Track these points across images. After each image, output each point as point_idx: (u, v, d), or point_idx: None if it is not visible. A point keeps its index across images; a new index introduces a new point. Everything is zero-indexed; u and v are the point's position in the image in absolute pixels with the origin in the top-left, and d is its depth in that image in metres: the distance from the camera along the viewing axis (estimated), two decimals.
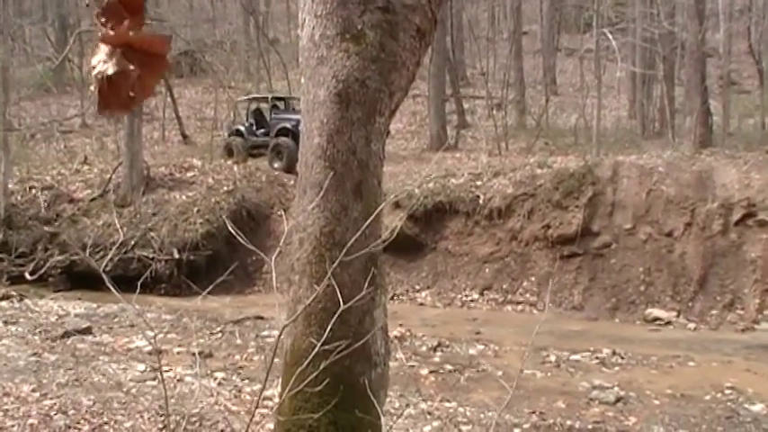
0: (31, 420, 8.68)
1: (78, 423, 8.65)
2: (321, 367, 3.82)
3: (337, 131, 4.26)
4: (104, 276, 3.78)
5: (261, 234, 18.67)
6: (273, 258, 4.08)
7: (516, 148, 26.26)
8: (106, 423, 8.66)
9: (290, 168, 21.99)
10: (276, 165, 22.95)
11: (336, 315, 3.86)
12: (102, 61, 2.18)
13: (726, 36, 27.79)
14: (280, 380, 4.34)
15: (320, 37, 4.37)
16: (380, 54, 4.34)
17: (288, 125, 23.20)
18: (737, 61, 34.39)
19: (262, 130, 25.12)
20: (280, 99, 26.65)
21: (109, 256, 15.17)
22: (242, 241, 4.35)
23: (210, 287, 4.62)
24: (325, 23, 4.35)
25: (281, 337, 4.02)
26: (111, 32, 2.18)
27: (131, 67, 2.18)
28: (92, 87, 2.25)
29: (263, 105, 26.23)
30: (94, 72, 2.20)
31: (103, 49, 2.21)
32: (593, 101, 28.54)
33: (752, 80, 33.82)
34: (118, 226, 18.59)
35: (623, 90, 32.73)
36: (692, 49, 22.42)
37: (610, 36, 22.82)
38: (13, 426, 8.48)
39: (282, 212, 20.02)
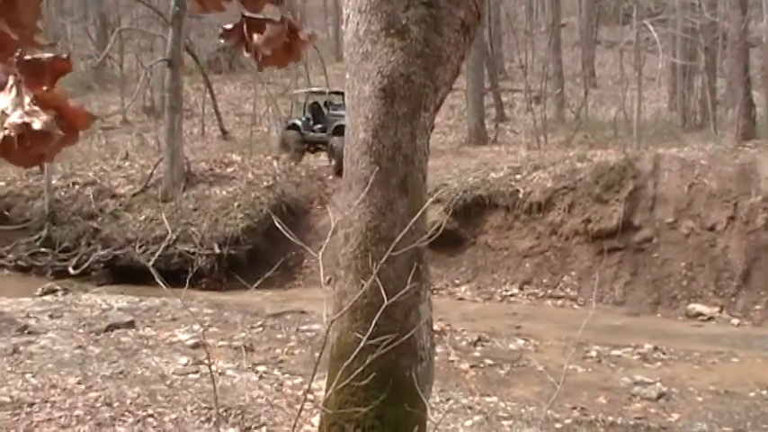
0: (77, 412, 8.82)
1: (123, 415, 8.76)
2: (368, 362, 3.83)
3: (382, 126, 4.27)
4: (153, 272, 3.82)
5: (301, 229, 18.72)
6: (321, 253, 4.10)
7: (555, 142, 26.07)
8: (151, 416, 8.77)
9: (341, 172, 21.40)
10: (334, 163, 22.06)
11: (382, 310, 3.87)
12: (24, 111, 2.13)
13: None
14: (326, 374, 4.37)
15: (365, 32, 4.38)
16: (425, 49, 4.35)
17: (344, 122, 22.26)
18: None
19: (319, 126, 23.99)
20: (338, 93, 25.07)
21: (158, 252, 15.41)
22: (288, 236, 4.38)
23: (258, 281, 4.70)
24: (370, 19, 4.36)
25: (329, 331, 4.04)
26: (47, 92, 2.14)
27: (59, 132, 2.14)
28: (4, 132, 2.17)
29: (321, 99, 25.37)
30: (11, 118, 2.14)
31: (23, 99, 2.16)
32: (632, 93, 28.30)
33: None
34: (165, 221, 18.70)
35: (663, 82, 32.38)
36: (735, 39, 22.12)
37: (651, 27, 22.56)
38: (60, 417, 8.62)
39: (323, 207, 20.12)
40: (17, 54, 2.11)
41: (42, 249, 20.30)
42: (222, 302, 16.35)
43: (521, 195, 17.57)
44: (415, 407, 4.09)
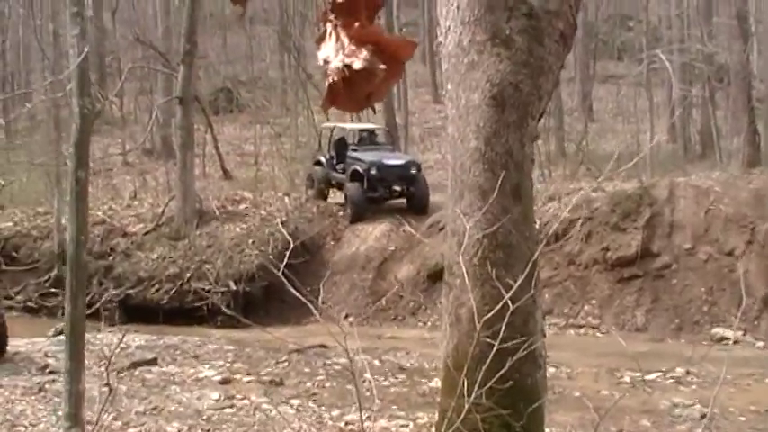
0: None
1: None
2: (503, 370, 3.80)
3: (494, 134, 4.30)
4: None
5: (314, 264, 18.70)
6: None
7: (559, 175, 26.18)
8: None
9: (355, 221, 20.65)
10: (348, 212, 21.15)
11: (507, 317, 3.85)
12: (344, 54, 2.10)
13: (762, 58, 27.76)
14: (440, 383, 4.33)
15: (469, 43, 4.41)
16: (530, 59, 4.39)
17: (359, 168, 20.79)
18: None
19: (341, 166, 21.98)
20: (364, 131, 23.61)
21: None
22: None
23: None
24: (474, 29, 4.40)
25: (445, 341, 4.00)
26: (362, 27, 2.11)
27: (381, 67, 2.10)
28: (329, 79, 2.14)
29: (353, 133, 23.39)
30: (333, 63, 2.12)
31: (343, 42, 2.13)
32: (630, 126, 28.56)
33: None
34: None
35: (661, 113, 32.59)
36: (737, 69, 22.37)
37: (663, 57, 22.81)
38: None
39: (336, 242, 20.11)
40: None
41: (52, 290, 20.12)
42: (240, 339, 16.24)
43: (537, 226, 17.56)
44: (535, 415, 4.06)
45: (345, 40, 2.06)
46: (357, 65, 2.02)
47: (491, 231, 4.18)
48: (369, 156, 21.02)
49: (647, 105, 28.28)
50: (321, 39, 2.11)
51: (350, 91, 2.05)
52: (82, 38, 3.41)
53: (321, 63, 2.09)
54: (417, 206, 20.61)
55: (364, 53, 2.03)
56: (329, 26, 2.09)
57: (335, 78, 2.04)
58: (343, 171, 21.64)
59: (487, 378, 3.88)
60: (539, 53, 4.39)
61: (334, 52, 2.06)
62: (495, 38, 4.34)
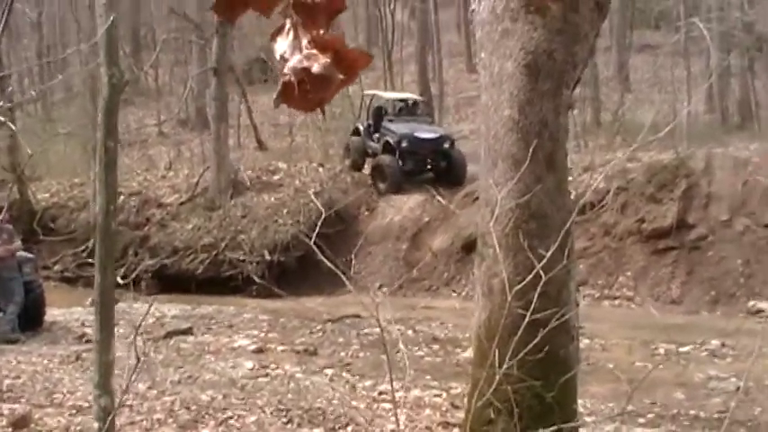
0: (157, 415, 8.79)
1: (203, 418, 8.74)
2: (535, 341, 3.77)
3: (528, 103, 4.25)
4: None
5: (350, 234, 18.69)
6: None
7: (595, 146, 25.91)
8: (230, 417, 8.74)
9: (388, 193, 20.39)
10: (380, 185, 20.68)
11: (540, 288, 3.81)
12: (303, 56, 2.09)
13: None
14: (472, 351, 4.31)
15: (503, 10, 4.36)
16: (564, 26, 4.33)
17: (391, 140, 20.52)
18: None
19: (377, 135, 21.52)
20: (403, 101, 23.16)
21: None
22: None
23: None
24: None
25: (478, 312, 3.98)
26: (324, 34, 2.09)
27: (340, 77, 2.09)
28: (283, 78, 2.10)
29: (391, 103, 22.79)
30: (290, 62, 2.09)
31: (300, 42, 2.11)
32: (667, 96, 28.17)
33: None
34: None
35: (699, 83, 32.13)
36: None
37: (701, 26, 22.44)
38: (141, 420, 8.59)
39: (370, 213, 20.09)
40: None
41: (89, 260, 20.32)
42: (275, 309, 16.33)
43: (572, 197, 17.44)
44: (568, 387, 4.04)
45: (303, 40, 2.05)
46: (316, 69, 2.02)
47: (524, 201, 4.14)
48: (402, 127, 20.73)
49: (685, 75, 27.86)
50: (278, 32, 2.08)
51: (304, 93, 2.04)
52: (110, 6, 3.41)
53: (278, 58, 2.07)
54: (453, 181, 20.32)
55: (323, 60, 2.02)
56: (288, 21, 2.06)
57: (292, 79, 2.03)
58: (379, 141, 21.30)
59: (519, 349, 3.85)
60: (573, 20, 4.32)
61: (291, 50, 2.04)
62: (529, 5, 4.27)
